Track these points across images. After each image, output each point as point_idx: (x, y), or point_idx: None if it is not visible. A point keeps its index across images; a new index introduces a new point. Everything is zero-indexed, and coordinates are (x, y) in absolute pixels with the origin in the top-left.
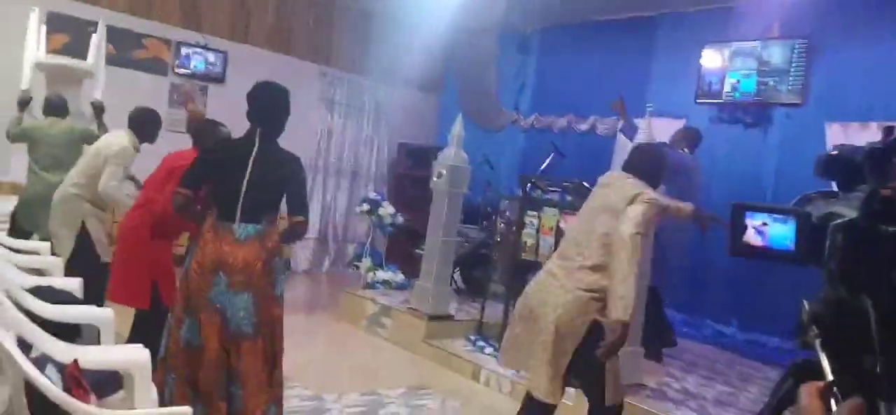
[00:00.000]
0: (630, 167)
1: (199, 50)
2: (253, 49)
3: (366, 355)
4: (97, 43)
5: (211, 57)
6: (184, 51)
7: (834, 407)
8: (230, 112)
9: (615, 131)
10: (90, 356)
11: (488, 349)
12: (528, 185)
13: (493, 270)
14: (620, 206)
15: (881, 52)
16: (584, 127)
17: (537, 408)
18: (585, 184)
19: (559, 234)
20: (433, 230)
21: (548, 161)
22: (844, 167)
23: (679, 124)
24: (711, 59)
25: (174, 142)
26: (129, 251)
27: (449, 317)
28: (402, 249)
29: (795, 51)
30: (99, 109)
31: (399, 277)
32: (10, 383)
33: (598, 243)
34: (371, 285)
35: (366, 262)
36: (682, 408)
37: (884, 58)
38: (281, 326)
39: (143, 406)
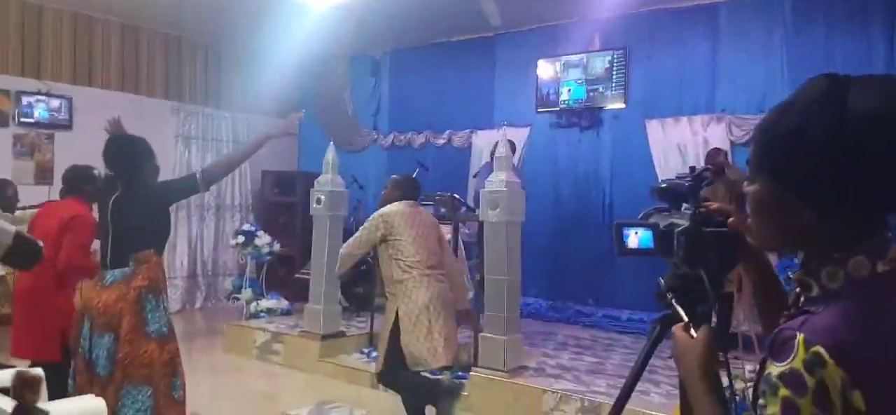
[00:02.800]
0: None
1: (41, 97)
2: (100, 91)
3: (265, 382)
4: None
5: (54, 103)
6: (25, 100)
7: (693, 333)
8: (79, 158)
9: (469, 142)
10: (58, 410)
11: (375, 354)
12: None
13: (374, 284)
14: None
15: (686, 57)
16: (441, 141)
17: None
18: (457, 196)
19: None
20: (318, 254)
21: (414, 175)
22: (673, 194)
23: (525, 132)
24: (546, 70)
25: (21, 194)
26: (32, 307)
27: (341, 334)
28: (279, 275)
29: (615, 60)
30: None
31: (283, 303)
32: None
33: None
34: (255, 315)
35: (246, 292)
36: (561, 380)
37: (689, 61)
38: (163, 364)
39: None
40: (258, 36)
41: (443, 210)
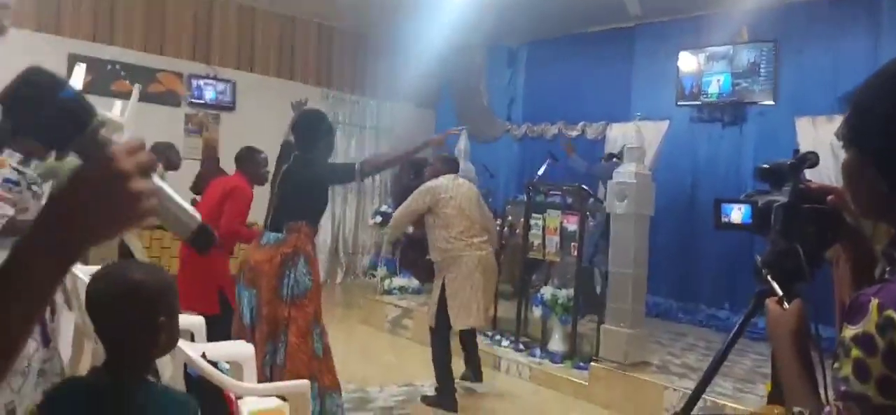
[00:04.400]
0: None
1: (209, 81)
2: (259, 77)
3: (394, 353)
4: (133, 102)
5: (221, 87)
6: (195, 83)
7: (786, 305)
8: (242, 138)
9: (604, 134)
10: (213, 350)
11: (505, 342)
12: (531, 190)
13: (500, 272)
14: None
15: (843, 50)
16: (574, 133)
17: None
18: (584, 187)
19: (563, 233)
20: None
21: (544, 167)
22: (775, 175)
23: (664, 126)
24: (688, 63)
25: (191, 168)
26: (194, 266)
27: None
28: (411, 257)
29: (765, 53)
30: None
31: (414, 282)
32: (172, 367)
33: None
34: (389, 291)
35: (382, 270)
36: (686, 379)
37: (845, 55)
38: (296, 326)
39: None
40: (403, 25)
41: (569, 200)
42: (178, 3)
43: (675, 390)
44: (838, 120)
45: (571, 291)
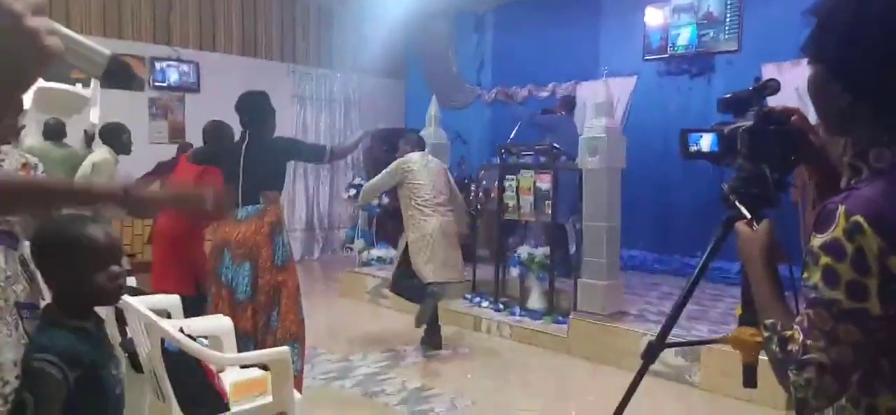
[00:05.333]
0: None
1: (172, 62)
2: (223, 56)
3: (376, 322)
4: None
5: (184, 68)
6: (158, 65)
7: (755, 226)
8: (208, 118)
9: (574, 93)
10: (191, 325)
11: (485, 303)
12: (504, 152)
13: (477, 236)
14: None
15: None
16: (544, 94)
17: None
18: (556, 146)
19: (537, 192)
20: None
21: (516, 129)
22: (738, 103)
23: (632, 82)
24: (654, 17)
25: (158, 153)
26: (170, 249)
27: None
28: (388, 227)
29: (729, 2)
30: (91, 136)
31: (392, 252)
32: (151, 343)
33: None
34: (367, 263)
35: (359, 243)
36: (659, 326)
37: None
38: (286, 289)
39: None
40: None
41: (542, 159)
42: None
43: (652, 336)
44: (803, 64)
45: (548, 250)
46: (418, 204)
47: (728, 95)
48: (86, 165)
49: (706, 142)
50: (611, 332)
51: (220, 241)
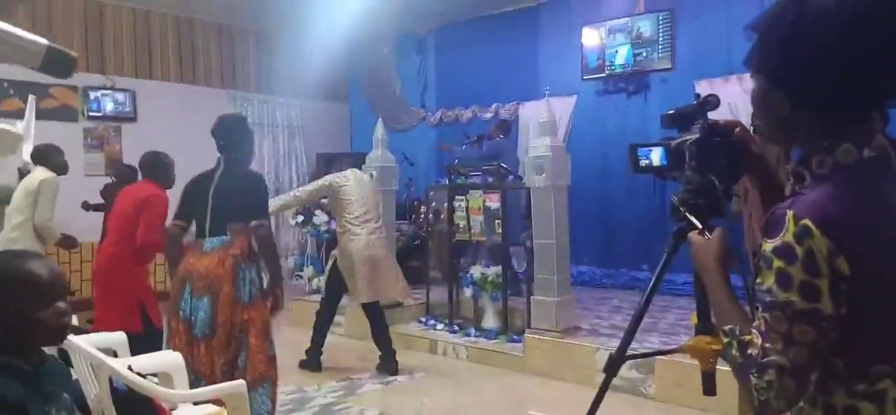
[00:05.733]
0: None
1: (107, 91)
2: (160, 83)
3: (329, 351)
4: (28, 114)
5: (120, 97)
6: (92, 94)
7: (708, 235)
8: (145, 148)
9: (516, 114)
10: (139, 363)
11: (440, 326)
12: (452, 173)
13: (428, 257)
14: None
15: (734, 14)
16: (488, 115)
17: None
18: (503, 165)
19: (486, 212)
20: None
21: (463, 148)
22: (682, 118)
23: (572, 101)
24: (591, 37)
25: (95, 185)
26: (112, 283)
27: (399, 304)
28: None
29: (662, 22)
30: (25, 173)
31: None
32: (98, 383)
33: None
34: (317, 290)
35: (308, 270)
36: (614, 339)
37: (737, 19)
38: (255, 328)
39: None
40: (306, 20)
41: (490, 179)
42: (66, 11)
43: (606, 350)
44: (733, 80)
45: (500, 269)
46: (348, 220)
47: (671, 111)
48: (31, 182)
49: (656, 156)
50: (565, 347)
51: (183, 272)
